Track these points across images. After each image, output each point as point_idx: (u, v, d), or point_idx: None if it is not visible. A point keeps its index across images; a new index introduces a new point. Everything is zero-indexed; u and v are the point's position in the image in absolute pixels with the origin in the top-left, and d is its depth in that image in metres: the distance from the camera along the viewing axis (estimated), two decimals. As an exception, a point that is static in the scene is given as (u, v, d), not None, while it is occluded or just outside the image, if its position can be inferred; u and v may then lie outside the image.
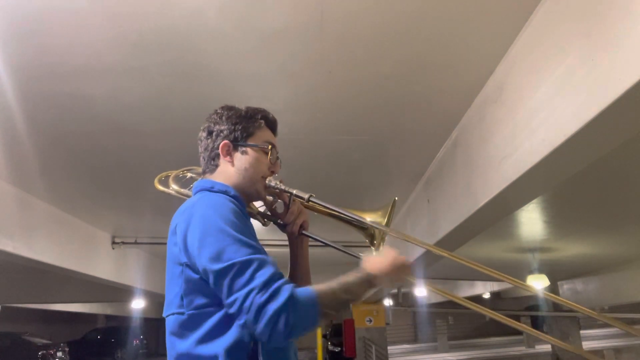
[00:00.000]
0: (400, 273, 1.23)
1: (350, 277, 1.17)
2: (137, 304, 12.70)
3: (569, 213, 4.49)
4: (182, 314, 1.13)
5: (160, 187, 1.64)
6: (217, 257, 1.07)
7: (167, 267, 1.20)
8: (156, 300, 13.29)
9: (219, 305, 1.11)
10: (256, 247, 1.12)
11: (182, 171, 1.67)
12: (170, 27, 2.29)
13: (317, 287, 1.12)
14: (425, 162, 4.15)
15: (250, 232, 1.17)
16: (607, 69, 1.67)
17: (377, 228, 1.37)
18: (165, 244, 1.22)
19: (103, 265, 6.64)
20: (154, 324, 21.14)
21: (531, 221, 4.76)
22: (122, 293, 8.97)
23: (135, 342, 18.16)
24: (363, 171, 4.40)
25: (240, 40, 2.41)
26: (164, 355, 1.20)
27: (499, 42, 2.44)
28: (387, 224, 1.36)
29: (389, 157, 4.07)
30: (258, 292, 1.03)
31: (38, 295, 10.79)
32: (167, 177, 1.65)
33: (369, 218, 1.37)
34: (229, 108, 1.39)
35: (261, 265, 1.08)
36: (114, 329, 18.87)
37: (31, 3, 2.10)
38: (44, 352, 13.40)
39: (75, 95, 2.86)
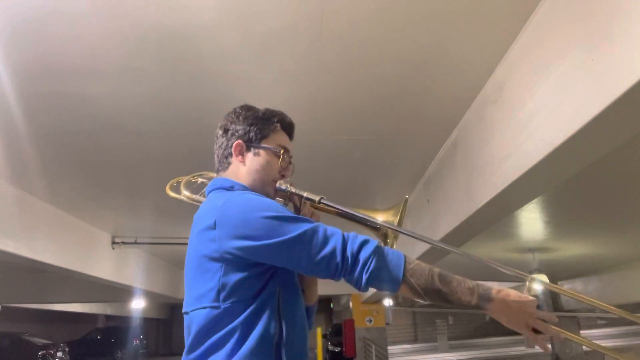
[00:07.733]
0: (523, 320, 1.12)
1: (462, 278, 1.13)
2: (137, 304, 12.73)
3: (569, 213, 4.49)
4: (218, 307, 1.14)
5: (172, 194, 1.65)
6: (283, 232, 1.13)
7: (193, 263, 1.21)
8: (156, 300, 13.31)
9: (252, 299, 1.14)
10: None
11: (193, 176, 1.68)
12: (171, 28, 2.29)
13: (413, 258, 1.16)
14: (425, 162, 4.15)
15: None
16: (607, 68, 1.67)
17: (389, 228, 1.34)
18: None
19: (103, 265, 6.64)
20: (154, 324, 21.15)
21: (531, 221, 4.76)
22: (122, 293, 8.97)
23: (135, 342, 18.13)
24: (363, 171, 4.40)
25: (240, 41, 2.41)
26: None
27: (499, 42, 2.44)
28: (399, 224, 1.33)
29: (389, 157, 4.06)
30: (348, 241, 1.12)
31: (38, 295, 10.80)
32: (179, 183, 1.67)
33: (380, 218, 1.34)
34: (248, 108, 1.40)
35: (326, 227, 1.15)
36: (114, 329, 18.84)
37: (32, 3, 2.10)
38: (44, 352, 13.39)
39: (75, 95, 2.86)
